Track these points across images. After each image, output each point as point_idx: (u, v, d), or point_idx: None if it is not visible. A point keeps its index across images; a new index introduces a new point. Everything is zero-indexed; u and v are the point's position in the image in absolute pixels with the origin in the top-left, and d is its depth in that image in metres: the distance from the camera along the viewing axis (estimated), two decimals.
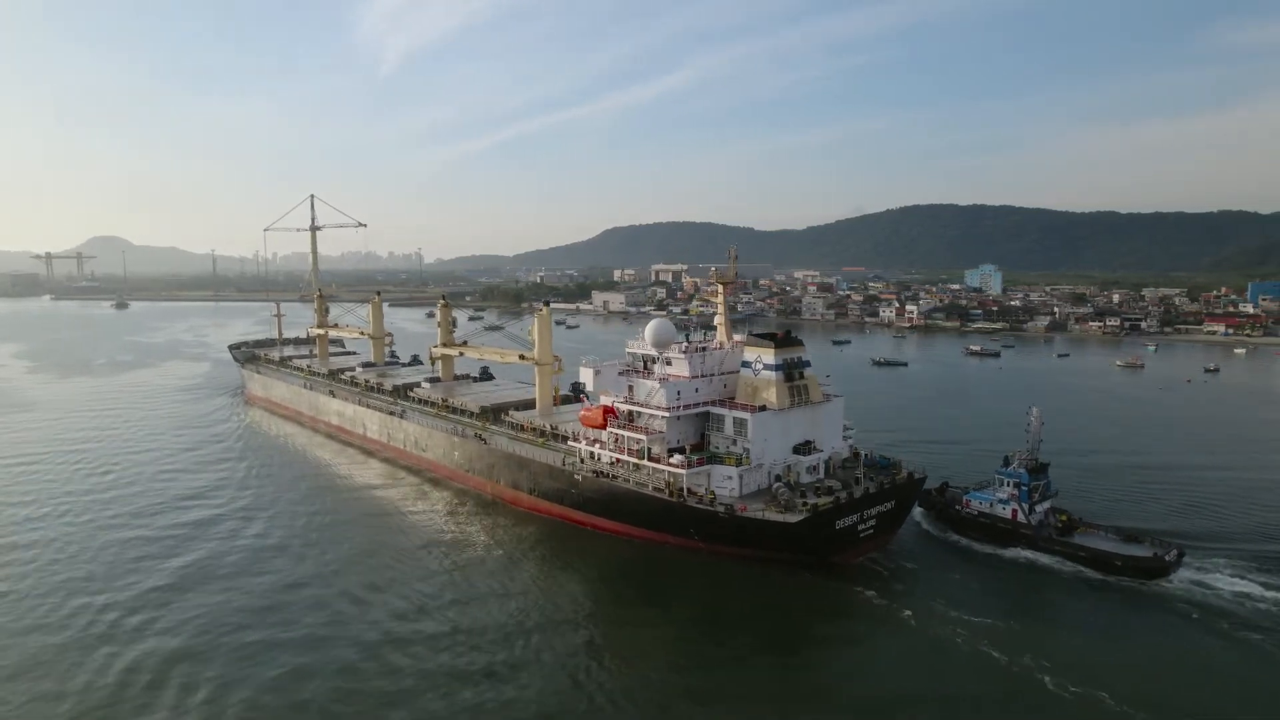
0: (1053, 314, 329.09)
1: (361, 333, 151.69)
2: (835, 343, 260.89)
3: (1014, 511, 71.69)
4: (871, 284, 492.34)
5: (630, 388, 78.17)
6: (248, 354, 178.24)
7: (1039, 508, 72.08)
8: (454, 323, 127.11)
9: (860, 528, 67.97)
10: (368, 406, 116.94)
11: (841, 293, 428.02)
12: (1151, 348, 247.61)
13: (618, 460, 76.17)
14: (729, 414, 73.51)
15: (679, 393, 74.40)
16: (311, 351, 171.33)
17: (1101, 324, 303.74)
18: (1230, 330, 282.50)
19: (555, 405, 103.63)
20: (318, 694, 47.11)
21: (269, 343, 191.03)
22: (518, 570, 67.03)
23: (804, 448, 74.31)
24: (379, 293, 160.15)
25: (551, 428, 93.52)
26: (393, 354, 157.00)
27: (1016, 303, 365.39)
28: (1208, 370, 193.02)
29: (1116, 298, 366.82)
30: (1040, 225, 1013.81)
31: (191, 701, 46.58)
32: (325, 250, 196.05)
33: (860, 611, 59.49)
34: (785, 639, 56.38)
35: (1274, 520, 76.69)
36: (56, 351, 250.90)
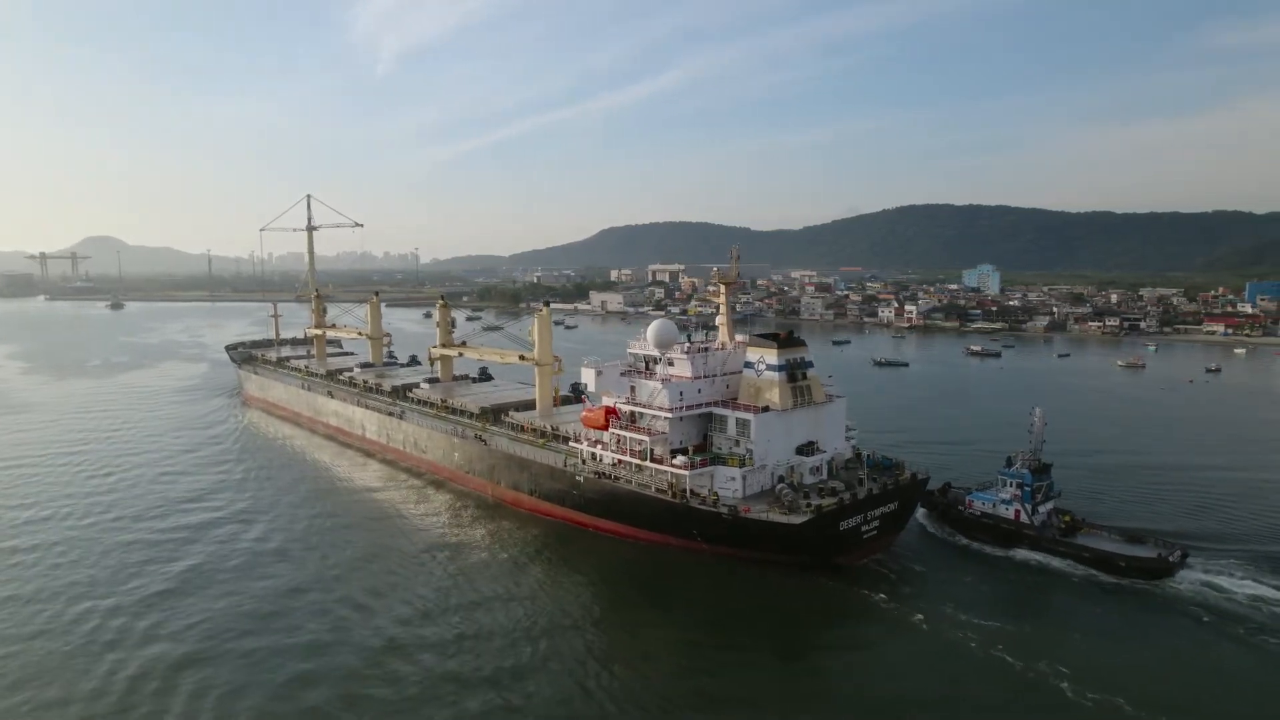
0: (1052, 314, 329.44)
1: (359, 333, 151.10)
2: (835, 343, 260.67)
3: (1017, 512, 71.52)
4: (869, 284, 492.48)
5: (632, 388, 77.79)
6: (245, 355, 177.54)
7: (1042, 508, 71.97)
8: (453, 323, 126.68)
9: (864, 529, 67.70)
10: (366, 407, 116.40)
11: (840, 293, 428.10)
12: (1152, 348, 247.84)
13: (620, 461, 75.79)
14: (732, 415, 73.18)
15: (681, 393, 74.05)
16: (309, 352, 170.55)
17: (1101, 324, 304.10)
18: (1230, 330, 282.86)
19: (555, 406, 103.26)
20: (325, 701, 46.62)
21: (266, 343, 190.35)
22: (521, 573, 66.54)
23: (807, 448, 74.01)
24: (377, 293, 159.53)
25: (552, 428, 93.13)
26: (391, 354, 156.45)
27: (1015, 303, 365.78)
28: (1209, 370, 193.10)
29: (1115, 298, 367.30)
30: (1036, 225, 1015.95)
31: (198, 708, 46.15)
32: (321, 250, 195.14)
33: (869, 615, 58.96)
34: (793, 642, 56.01)
35: None
36: (52, 353, 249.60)
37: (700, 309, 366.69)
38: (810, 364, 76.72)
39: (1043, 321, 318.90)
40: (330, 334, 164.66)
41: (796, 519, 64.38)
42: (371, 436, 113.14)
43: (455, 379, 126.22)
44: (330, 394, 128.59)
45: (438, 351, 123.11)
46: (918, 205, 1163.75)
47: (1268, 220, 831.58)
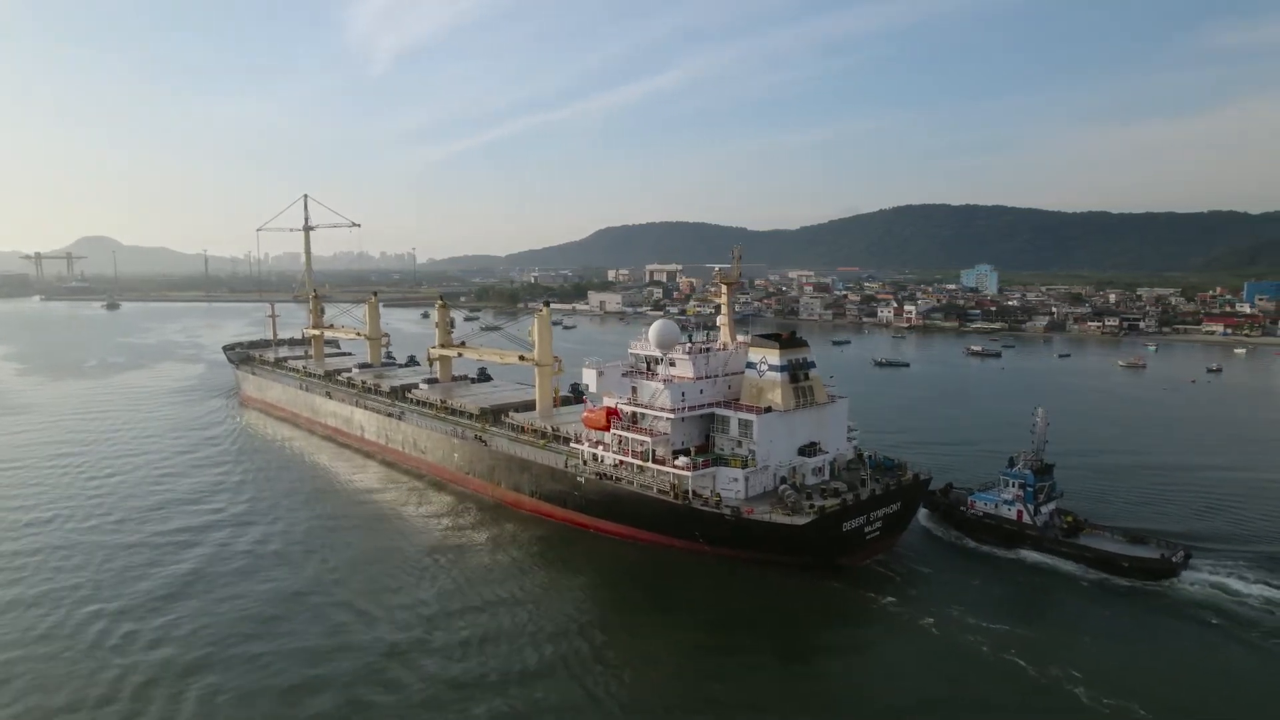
0: (1051, 314, 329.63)
1: (358, 333, 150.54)
2: (835, 343, 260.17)
3: (1019, 513, 71.34)
4: (867, 284, 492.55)
5: (634, 389, 77.46)
6: (242, 355, 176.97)
7: (1044, 509, 71.76)
8: (452, 323, 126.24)
9: (867, 530, 67.45)
10: (365, 408, 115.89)
11: (838, 293, 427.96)
12: (1152, 348, 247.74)
13: (621, 462, 75.46)
14: (734, 415, 72.89)
15: (683, 394, 73.73)
16: (307, 353, 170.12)
17: (1100, 324, 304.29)
18: (1229, 330, 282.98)
19: (555, 407, 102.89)
20: (329, 709, 46.15)
21: (263, 344, 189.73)
22: (523, 576, 66.05)
23: (809, 449, 73.75)
24: (375, 293, 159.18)
25: (553, 429, 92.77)
26: (389, 355, 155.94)
27: (1014, 303, 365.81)
28: (1210, 370, 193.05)
29: (1113, 298, 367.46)
30: (1032, 225, 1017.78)
31: (203, 714, 45.73)
32: (317, 250, 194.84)
33: (877, 617, 58.36)
34: (799, 645, 55.62)
35: None
36: (48, 353, 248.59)
37: (699, 309, 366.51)
38: (812, 364, 76.50)
39: (1042, 321, 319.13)
40: (328, 334, 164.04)
41: (800, 520, 64.10)
42: (370, 437, 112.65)
43: (454, 379, 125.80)
44: (328, 395, 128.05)
45: (437, 352, 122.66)
46: (915, 205, 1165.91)
47: (1264, 220, 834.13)
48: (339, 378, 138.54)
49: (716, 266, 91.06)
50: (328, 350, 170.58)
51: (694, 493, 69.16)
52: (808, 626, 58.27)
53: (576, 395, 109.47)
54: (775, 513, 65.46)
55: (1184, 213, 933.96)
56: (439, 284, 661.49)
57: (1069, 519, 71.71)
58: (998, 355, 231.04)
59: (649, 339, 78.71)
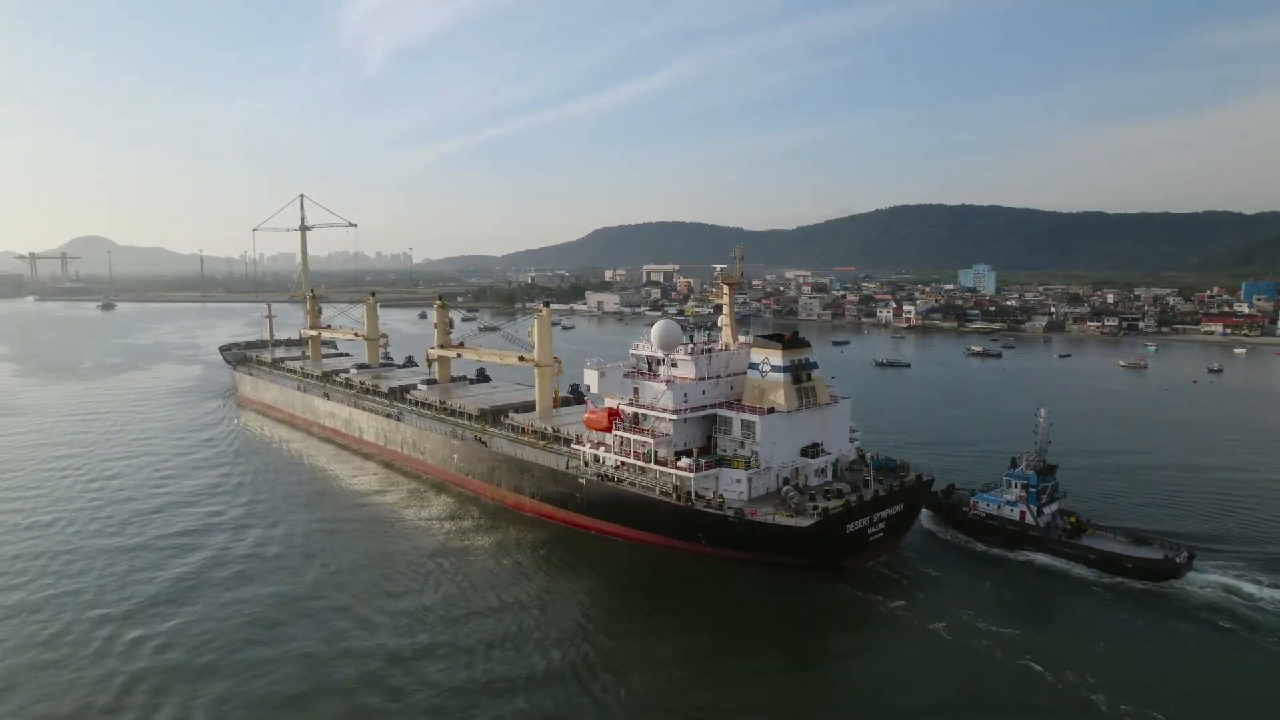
0: (1050, 314, 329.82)
1: (355, 334, 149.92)
2: (835, 343, 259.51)
3: (1022, 514, 71.13)
4: (865, 284, 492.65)
5: (636, 390, 77.07)
6: (239, 356, 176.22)
7: (1047, 509, 71.56)
8: (450, 324, 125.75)
9: (870, 531, 67.18)
10: (363, 409, 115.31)
11: (836, 293, 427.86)
12: (1152, 348, 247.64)
13: (623, 464, 75.10)
14: (737, 416, 72.56)
15: (686, 395, 73.37)
16: (304, 353, 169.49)
17: (1100, 324, 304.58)
18: (1228, 330, 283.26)
19: (555, 407, 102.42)
20: (332, 714, 45.70)
21: (260, 344, 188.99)
22: (526, 580, 65.48)
23: (812, 450, 73.48)
24: (373, 293, 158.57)
25: (553, 430, 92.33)
26: (387, 355, 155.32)
27: (1012, 303, 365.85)
28: (1212, 371, 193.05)
29: (1111, 298, 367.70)
30: (1028, 225, 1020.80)
31: None
32: (313, 251, 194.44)
33: (886, 622, 57.51)
34: (807, 650, 55.13)
35: None
36: (44, 354, 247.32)
37: (698, 309, 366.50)
38: (815, 365, 76.24)
39: (1041, 322, 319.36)
40: (326, 335, 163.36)
41: (803, 521, 63.78)
42: (369, 439, 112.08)
43: (453, 380, 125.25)
44: (326, 395, 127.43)
45: (436, 353, 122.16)
46: (911, 205, 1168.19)
47: (1258, 220, 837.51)
48: (337, 378, 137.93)
49: (718, 266, 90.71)
50: (325, 351, 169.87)
51: (697, 494, 68.81)
52: (815, 630, 57.80)
53: (576, 396, 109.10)
54: (779, 514, 65.13)
55: (1179, 213, 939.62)
56: (435, 284, 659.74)
57: (1072, 520, 71.46)
58: (998, 355, 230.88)
59: (651, 339, 78.26)
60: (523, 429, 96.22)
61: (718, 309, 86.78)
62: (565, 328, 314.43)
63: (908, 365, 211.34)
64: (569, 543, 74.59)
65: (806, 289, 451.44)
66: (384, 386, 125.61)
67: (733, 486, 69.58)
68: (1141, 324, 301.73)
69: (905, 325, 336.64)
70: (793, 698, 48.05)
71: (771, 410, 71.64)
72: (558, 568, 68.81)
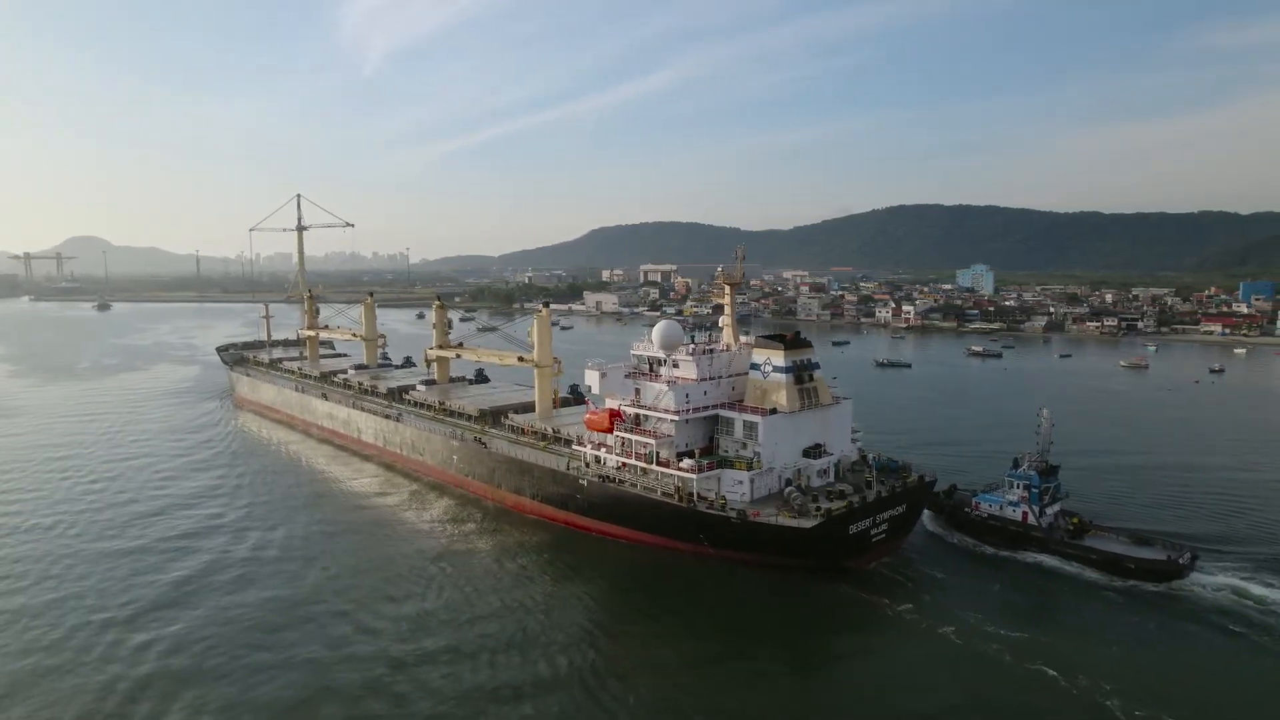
0: (1049, 314, 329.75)
1: (354, 334, 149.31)
2: (835, 344, 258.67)
3: (1024, 514, 70.97)
4: (863, 284, 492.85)
5: (637, 391, 76.75)
6: (236, 356, 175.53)
7: (1049, 510, 71.33)
8: (449, 324, 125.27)
9: (873, 532, 66.95)
10: (362, 410, 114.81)
11: (835, 293, 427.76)
12: (1152, 348, 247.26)
13: (624, 465, 74.77)
14: (739, 417, 72.26)
15: (688, 396, 73.05)
16: (301, 354, 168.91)
17: (1099, 324, 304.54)
18: (1227, 330, 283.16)
19: (555, 408, 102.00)
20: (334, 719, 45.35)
21: (257, 345, 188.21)
22: (529, 583, 65.02)
23: (814, 451, 73.19)
24: (371, 294, 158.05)
25: (553, 431, 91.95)
26: (385, 356, 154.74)
27: (1011, 303, 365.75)
28: (1213, 371, 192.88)
29: (1110, 297, 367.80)
30: (1024, 225, 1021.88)
31: None
32: (309, 251, 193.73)
33: (893, 625, 56.95)
34: (813, 652, 54.71)
35: None
36: (39, 354, 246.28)
37: (696, 309, 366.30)
38: (817, 365, 75.99)
39: (1040, 322, 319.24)
40: (323, 335, 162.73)
41: (807, 523, 63.49)
42: (368, 440, 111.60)
43: (452, 381, 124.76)
44: (324, 396, 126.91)
45: (434, 353, 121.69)
46: (907, 205, 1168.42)
47: (1254, 221, 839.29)
48: (335, 379, 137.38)
49: (719, 266, 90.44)
50: (322, 351, 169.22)
51: (699, 495, 68.50)
52: (821, 632, 57.42)
53: (576, 396, 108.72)
54: (781, 515, 64.85)
55: (1175, 213, 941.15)
56: (432, 284, 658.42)
57: (1074, 521, 71.24)
58: (999, 356, 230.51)
59: (652, 340, 77.85)
60: (523, 430, 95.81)
61: (716, 309, 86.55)
62: (563, 328, 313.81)
63: (908, 365, 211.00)
64: (570, 544, 74.23)
65: (805, 289, 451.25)
66: (382, 387, 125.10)
67: (735, 488, 69.29)
68: (1141, 324, 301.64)
69: (904, 325, 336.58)
70: (800, 701, 47.70)
71: (774, 411, 71.35)
72: (560, 570, 68.41)
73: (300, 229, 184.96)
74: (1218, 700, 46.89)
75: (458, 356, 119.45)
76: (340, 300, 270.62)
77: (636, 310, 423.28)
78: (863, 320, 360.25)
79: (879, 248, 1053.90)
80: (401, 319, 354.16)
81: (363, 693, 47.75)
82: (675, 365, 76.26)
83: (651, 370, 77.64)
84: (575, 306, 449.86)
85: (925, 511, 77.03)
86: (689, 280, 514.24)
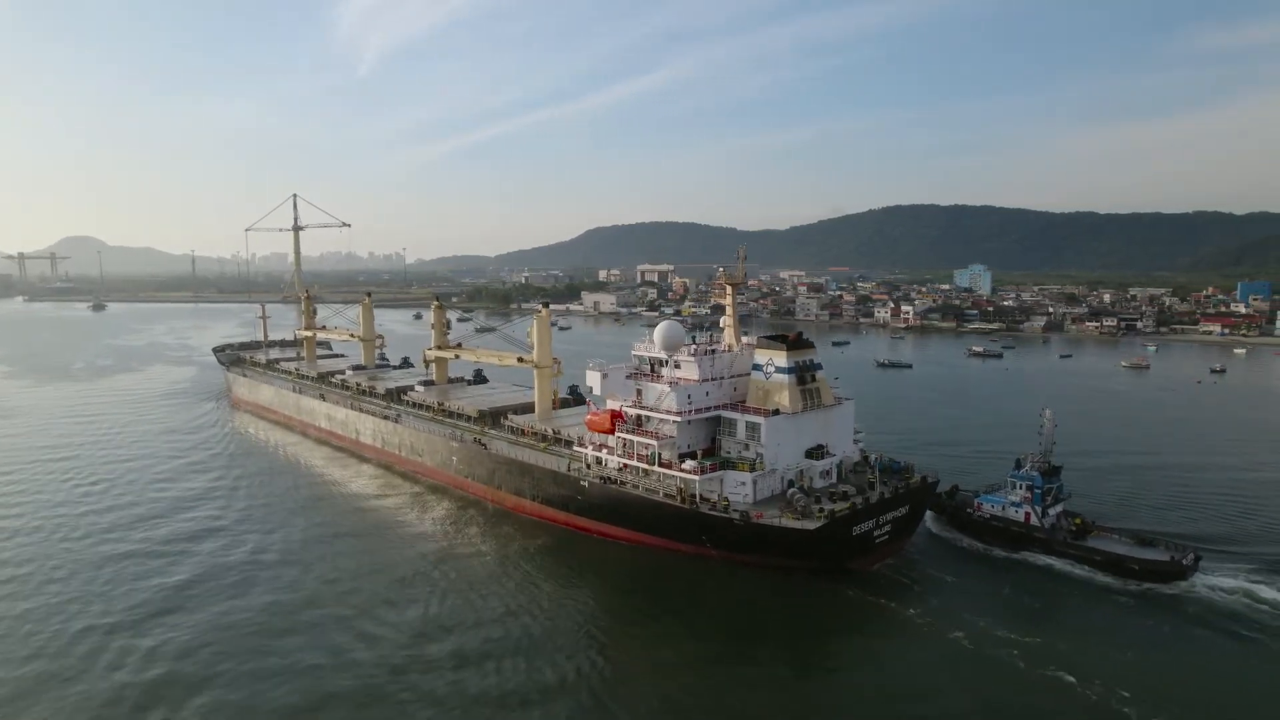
0: (1048, 314, 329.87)
1: (351, 335, 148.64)
2: (835, 344, 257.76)
3: (1027, 515, 70.76)
4: (860, 284, 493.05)
5: (639, 391, 76.36)
6: (232, 357, 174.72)
7: (1052, 511, 71.13)
8: (448, 325, 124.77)
9: (876, 534, 66.65)
10: (360, 411, 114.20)
11: (833, 293, 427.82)
12: (1152, 348, 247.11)
13: (626, 466, 74.39)
14: (741, 418, 71.91)
15: (690, 397, 72.69)
16: (299, 354, 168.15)
17: (1098, 324, 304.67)
18: (1226, 330, 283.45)
19: (554, 409, 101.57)
20: None
21: (254, 345, 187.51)
22: (532, 586, 64.37)
23: (816, 452, 72.88)
24: (369, 294, 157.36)
25: (554, 432, 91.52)
26: (382, 356, 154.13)
27: (1010, 303, 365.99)
28: (1214, 371, 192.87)
29: (1108, 297, 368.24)
30: (1020, 225, 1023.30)
31: None
32: (305, 251, 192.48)
33: (900, 628, 56.30)
34: (820, 656, 54.27)
35: None
36: (34, 355, 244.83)
37: (694, 309, 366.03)
38: (819, 366, 75.66)
39: (1040, 322, 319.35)
40: (321, 336, 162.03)
41: (810, 524, 63.15)
42: (366, 441, 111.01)
43: (450, 381, 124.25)
44: (322, 397, 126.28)
45: (433, 354, 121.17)
46: (904, 205, 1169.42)
47: (1249, 221, 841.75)
48: (333, 380, 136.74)
49: (715, 266, 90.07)
50: (319, 352, 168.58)
51: (701, 497, 68.15)
52: (824, 634, 57.00)
53: (575, 397, 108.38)
54: (785, 517, 64.50)
55: (1170, 213, 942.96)
56: (429, 284, 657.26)
57: (1077, 521, 71.03)
58: (999, 356, 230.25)
59: (654, 340, 77.41)
60: (522, 431, 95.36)
61: (715, 309, 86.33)
62: (562, 328, 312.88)
63: (909, 366, 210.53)
64: (572, 546, 73.80)
65: (803, 289, 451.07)
66: (381, 388, 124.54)
67: (737, 489, 68.96)
68: (1140, 324, 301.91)
69: (903, 325, 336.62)
70: (804, 703, 47.33)
71: (776, 412, 71.02)
72: (562, 572, 67.94)
73: (297, 229, 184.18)
74: (1233, 707, 46.35)
75: (456, 357, 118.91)
76: (336, 300, 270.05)
77: (635, 310, 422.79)
78: (861, 320, 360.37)
79: (875, 248, 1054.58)
80: (398, 319, 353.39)
81: (367, 700, 47.09)
82: (677, 366, 75.89)
83: (653, 371, 77.26)
84: (573, 307, 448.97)
85: (927, 512, 76.79)
86: (686, 280, 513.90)
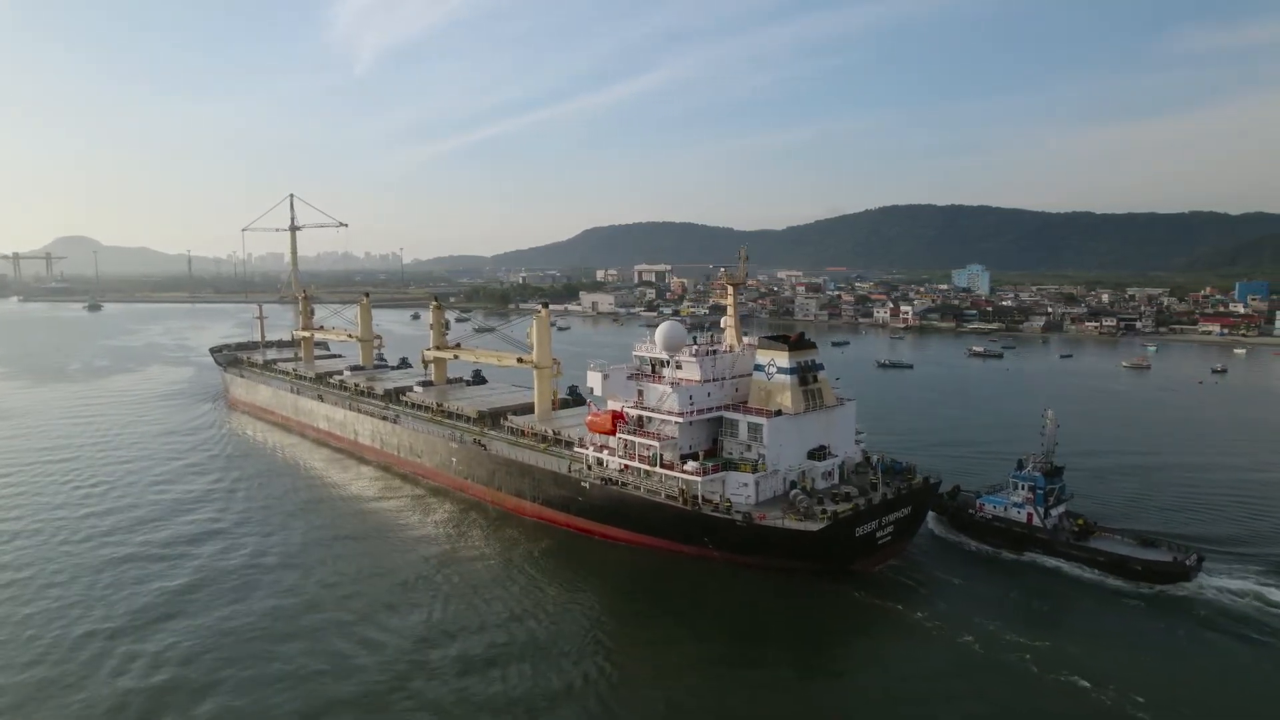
0: (1048, 314, 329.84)
1: (349, 335, 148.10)
2: (835, 344, 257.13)
3: (1029, 515, 70.53)
4: (858, 284, 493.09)
5: (640, 392, 76.04)
6: (230, 357, 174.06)
7: (1054, 512, 70.93)
8: (446, 325, 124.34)
9: (878, 535, 66.39)
10: (359, 411, 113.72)
11: (831, 293, 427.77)
12: (1152, 348, 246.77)
13: (627, 467, 74.06)
14: (743, 419, 71.61)
15: (691, 397, 72.39)
16: (296, 354, 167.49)
17: (1098, 324, 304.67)
18: (1225, 330, 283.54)
19: (554, 409, 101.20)
20: None
21: (251, 345, 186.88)
22: (534, 588, 63.97)
23: (818, 453, 72.62)
24: (367, 294, 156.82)
25: (554, 433, 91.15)
26: (380, 357, 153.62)
27: (1009, 303, 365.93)
28: (1215, 371, 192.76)
29: (1106, 297, 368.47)
30: (1016, 225, 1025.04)
31: None
32: (301, 251, 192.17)
33: (908, 632, 55.74)
34: (823, 658, 53.82)
35: None
36: (29, 356, 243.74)
37: (693, 309, 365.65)
38: (821, 366, 75.38)
39: (1039, 322, 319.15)
40: (318, 336, 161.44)
41: (813, 526, 62.88)
42: (365, 442, 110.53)
43: (449, 382, 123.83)
44: (320, 398, 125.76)
45: (432, 354, 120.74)
46: (900, 205, 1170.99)
47: (1243, 221, 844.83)
48: (331, 380, 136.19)
49: (714, 267, 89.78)
50: (317, 353, 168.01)
51: (703, 498, 67.85)
52: (827, 636, 56.59)
53: (575, 398, 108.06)
54: (788, 518, 64.23)
55: (1165, 213, 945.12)
56: (426, 284, 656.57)
57: (1079, 522, 70.84)
58: (999, 356, 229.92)
59: (655, 341, 77.09)
60: (523, 431, 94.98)
61: (714, 309, 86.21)
62: (560, 328, 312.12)
63: (910, 366, 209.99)
64: (573, 548, 73.44)
65: (801, 289, 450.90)
66: (379, 388, 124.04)
67: (740, 490, 68.68)
68: (1139, 324, 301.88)
69: (903, 325, 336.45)
70: (807, 705, 47.05)
71: (779, 413, 70.73)
72: (564, 575, 67.54)
73: (294, 229, 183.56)
74: (1251, 715, 45.98)
75: (455, 358, 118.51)
76: (333, 300, 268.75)
77: (633, 311, 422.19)
78: (860, 320, 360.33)
79: (872, 248, 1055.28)
80: (396, 319, 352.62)
81: (372, 708, 46.52)
82: (679, 367, 75.57)
83: (654, 372, 76.92)
84: (571, 307, 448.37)
85: (929, 513, 76.58)
86: (685, 280, 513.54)
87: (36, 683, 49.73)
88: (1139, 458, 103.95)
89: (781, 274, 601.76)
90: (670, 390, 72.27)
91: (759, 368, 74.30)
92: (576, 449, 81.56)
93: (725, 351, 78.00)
